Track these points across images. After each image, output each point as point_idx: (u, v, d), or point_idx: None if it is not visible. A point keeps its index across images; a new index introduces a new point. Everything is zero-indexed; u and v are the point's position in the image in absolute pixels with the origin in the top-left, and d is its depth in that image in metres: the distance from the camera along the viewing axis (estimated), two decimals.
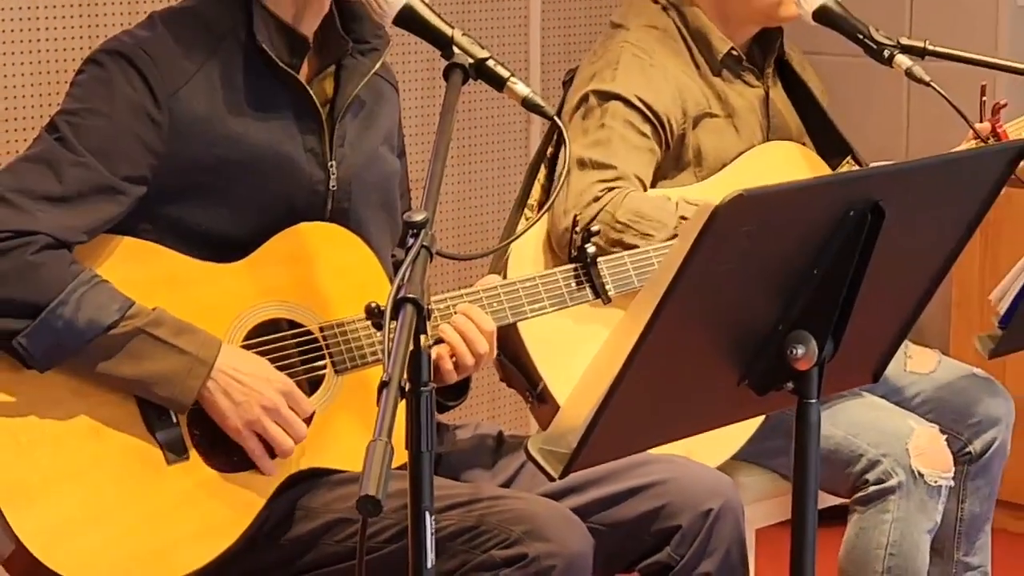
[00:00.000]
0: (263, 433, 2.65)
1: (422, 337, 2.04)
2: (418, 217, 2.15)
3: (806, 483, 2.27)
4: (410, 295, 2.02)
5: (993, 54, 4.69)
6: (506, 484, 2.89)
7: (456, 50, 2.52)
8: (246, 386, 2.65)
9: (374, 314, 2.55)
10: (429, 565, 2.07)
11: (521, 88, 2.53)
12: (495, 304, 2.81)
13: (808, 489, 2.27)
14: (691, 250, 2.02)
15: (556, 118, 2.54)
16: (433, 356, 2.44)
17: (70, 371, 2.61)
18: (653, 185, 3.39)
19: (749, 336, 2.22)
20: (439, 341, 2.71)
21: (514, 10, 4.66)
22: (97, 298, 2.59)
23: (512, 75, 2.53)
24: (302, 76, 2.80)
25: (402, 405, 2.01)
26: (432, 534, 2.07)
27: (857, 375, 2.47)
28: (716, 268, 2.07)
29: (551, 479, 2.23)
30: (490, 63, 2.52)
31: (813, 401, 2.24)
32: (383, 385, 1.94)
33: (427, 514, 2.07)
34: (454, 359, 2.72)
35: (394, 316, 2.02)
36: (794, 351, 2.20)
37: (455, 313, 2.74)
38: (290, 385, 2.68)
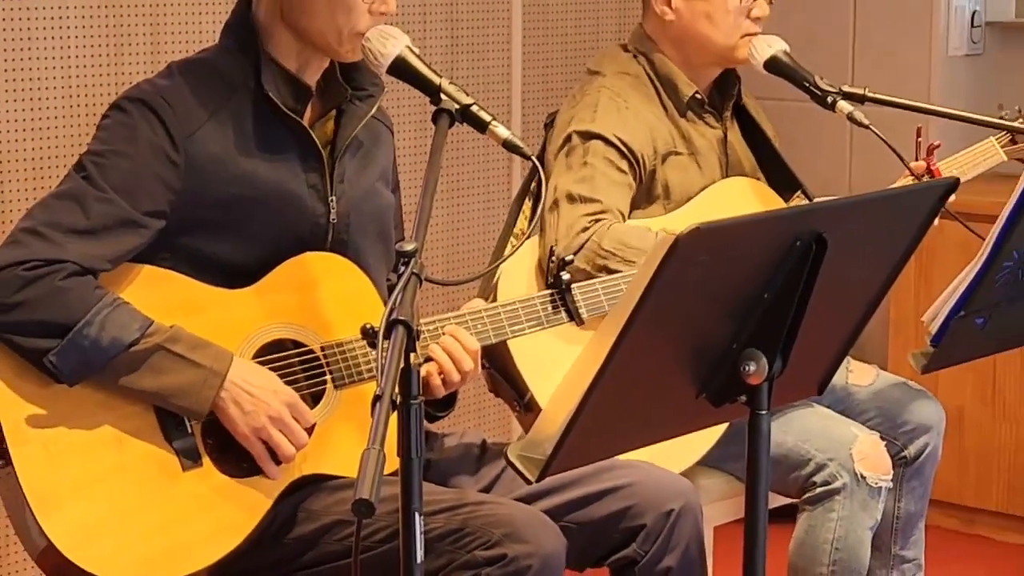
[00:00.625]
0: (268, 440, 2.64)
1: (412, 355, 2.05)
2: (409, 247, 2.15)
3: (757, 485, 2.27)
4: (401, 317, 2.03)
5: (926, 100, 4.72)
6: (488, 488, 2.88)
7: (443, 97, 2.53)
8: (255, 397, 2.64)
9: (369, 335, 2.54)
10: (419, 561, 2.07)
11: (502, 131, 2.53)
12: (479, 325, 2.80)
13: (759, 490, 2.27)
14: (653, 277, 2.02)
15: (533, 158, 2.53)
16: (423, 373, 2.44)
17: (95, 385, 2.60)
18: (629, 216, 3.39)
19: (706, 354, 2.21)
20: (428, 359, 2.70)
21: (497, 60, 4.66)
22: (119, 318, 2.58)
23: (494, 119, 2.54)
24: (306, 119, 2.79)
25: (394, 416, 2.02)
26: (421, 533, 2.07)
27: (803, 388, 2.47)
28: (676, 293, 2.07)
29: (528, 482, 2.23)
30: (474, 108, 2.53)
31: (764, 412, 2.24)
32: (376, 399, 1.94)
33: (417, 515, 2.07)
34: (442, 376, 2.71)
35: (386, 336, 2.03)
36: (747, 368, 2.20)
37: (443, 334, 2.73)
38: (294, 397, 2.66)
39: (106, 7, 3.79)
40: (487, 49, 4.64)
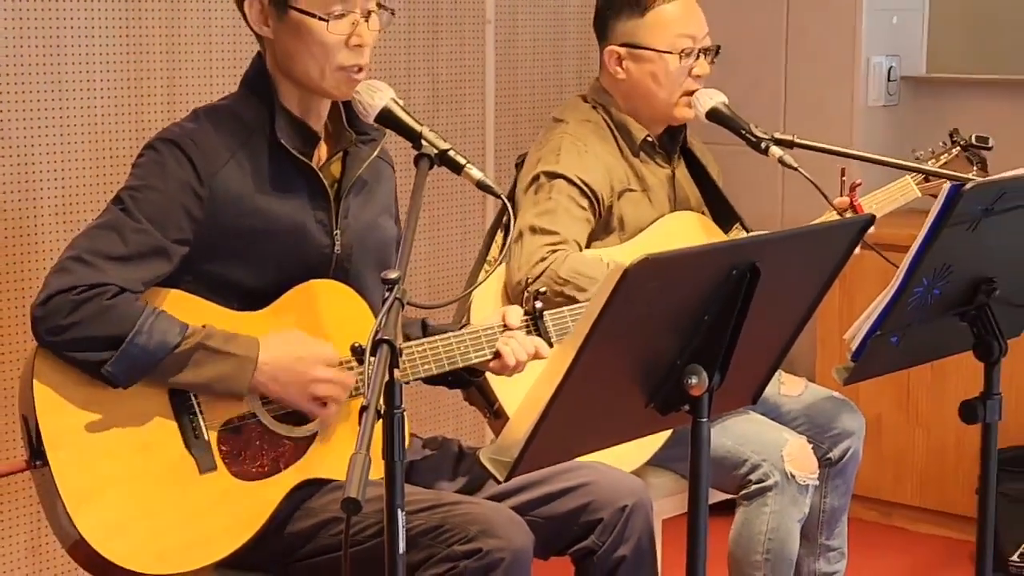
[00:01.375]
0: (319, 398, 2.66)
1: (395, 371, 2.04)
2: (392, 275, 2.15)
3: (699, 482, 2.26)
4: (385, 337, 2.03)
5: (849, 145, 4.73)
6: (465, 488, 2.87)
7: (424, 142, 2.53)
8: (287, 370, 2.64)
9: (357, 352, 2.53)
10: (401, 552, 2.07)
11: (475, 173, 2.52)
12: (471, 343, 2.80)
13: (700, 487, 2.26)
14: (607, 301, 2.02)
15: (502, 196, 2.52)
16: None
17: (127, 397, 2.59)
18: (588, 245, 3.38)
19: (654, 368, 2.21)
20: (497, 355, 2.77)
21: (473, 110, 4.67)
22: (162, 325, 2.58)
23: (468, 163, 2.53)
24: (316, 160, 2.78)
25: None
26: (404, 527, 2.07)
27: (739, 398, 2.46)
28: (626, 315, 2.07)
29: (498, 482, 2.23)
30: (451, 153, 2.52)
31: (704, 420, 2.23)
32: (363, 409, 1.94)
33: (400, 511, 2.06)
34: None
35: (372, 354, 2.02)
36: (689, 381, 2.20)
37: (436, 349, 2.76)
38: (319, 353, 2.66)
39: (128, 60, 3.78)
40: (464, 100, 4.64)
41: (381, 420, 2.03)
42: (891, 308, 2.55)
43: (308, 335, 2.69)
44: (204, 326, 2.63)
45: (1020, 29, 6.12)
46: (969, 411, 2.72)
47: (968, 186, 2.46)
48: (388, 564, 2.08)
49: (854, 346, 2.61)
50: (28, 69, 3.60)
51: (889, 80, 5.07)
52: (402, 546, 2.07)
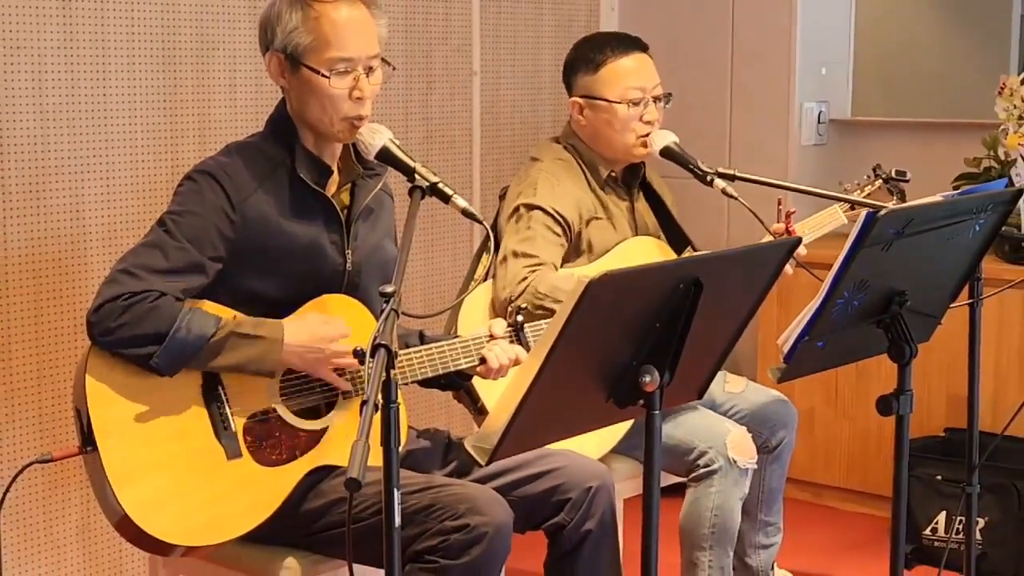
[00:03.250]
0: (336, 369, 2.69)
1: (392, 371, 2.05)
2: (389, 289, 2.16)
3: (652, 463, 2.27)
4: (383, 342, 2.04)
5: (784, 178, 4.74)
6: (454, 472, 2.88)
7: (417, 176, 2.53)
8: (310, 349, 2.65)
9: (359, 355, 2.54)
10: (396, 525, 2.08)
11: (460, 202, 2.52)
12: (461, 350, 2.81)
13: (654, 468, 2.27)
14: (572, 311, 2.04)
15: (484, 223, 2.53)
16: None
17: (168, 391, 2.61)
18: (561, 266, 3.41)
19: (612, 368, 2.22)
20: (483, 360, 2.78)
21: (462, 148, 4.69)
22: (198, 320, 2.60)
23: (455, 193, 2.53)
24: (330, 190, 2.80)
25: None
26: (399, 504, 2.08)
27: (687, 394, 2.47)
28: (589, 322, 2.08)
29: (480, 466, 2.24)
30: (440, 185, 2.53)
31: (657, 412, 2.24)
32: (363, 403, 1.95)
33: (395, 490, 2.07)
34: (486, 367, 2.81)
35: (372, 356, 2.04)
36: (643, 379, 2.21)
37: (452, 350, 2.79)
38: (334, 333, 2.68)
39: (164, 104, 3.80)
40: (454, 140, 4.66)
41: (379, 413, 2.05)
42: (817, 317, 2.55)
43: (324, 315, 2.70)
44: (235, 315, 2.65)
45: (931, 78, 6.20)
46: (885, 405, 2.71)
47: (882, 213, 2.46)
48: (386, 536, 2.09)
49: (786, 349, 2.60)
50: (78, 114, 3.61)
51: (819, 123, 5.09)
52: (398, 520, 2.08)
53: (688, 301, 2.18)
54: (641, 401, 2.24)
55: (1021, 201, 4.27)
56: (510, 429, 2.13)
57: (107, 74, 3.66)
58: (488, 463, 2.17)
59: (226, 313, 2.68)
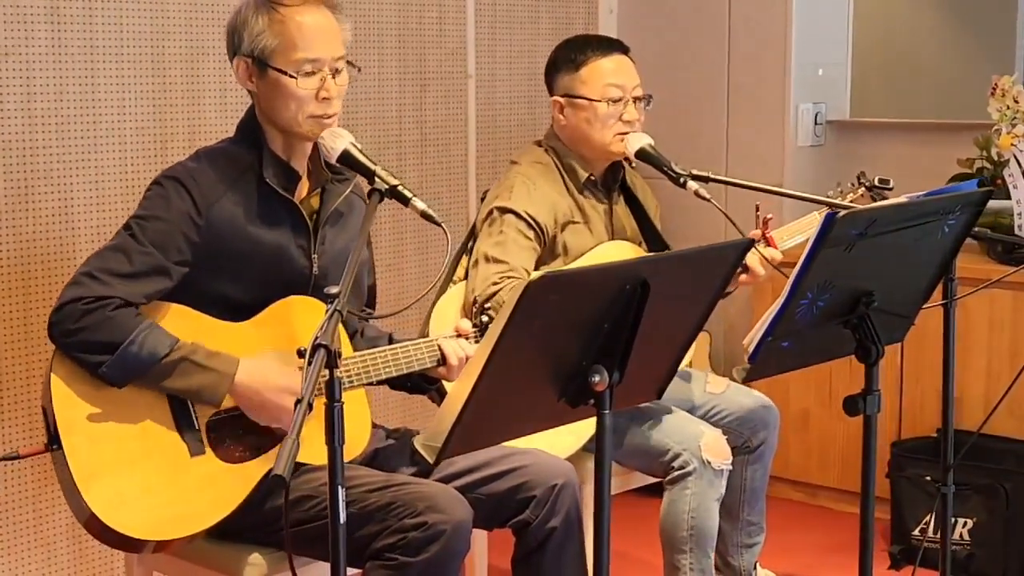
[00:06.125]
0: (277, 424, 2.70)
1: (335, 370, 2.07)
2: (333, 291, 2.18)
3: (603, 466, 2.27)
4: (323, 342, 2.05)
5: (781, 182, 4.76)
6: (420, 471, 2.89)
7: (377, 179, 2.54)
8: (258, 395, 2.67)
9: (301, 355, 2.55)
10: (341, 521, 2.10)
11: (420, 205, 2.53)
12: (426, 350, 2.83)
13: (604, 470, 2.26)
14: (512, 311, 2.05)
15: (443, 225, 2.52)
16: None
17: (131, 390, 2.63)
18: (537, 268, 3.40)
19: (562, 368, 2.23)
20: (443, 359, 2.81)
21: (458, 152, 4.69)
22: (153, 338, 2.62)
23: (414, 196, 2.53)
24: (298, 196, 2.82)
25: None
26: (344, 500, 2.09)
27: (644, 394, 2.47)
28: (532, 322, 2.09)
29: (429, 464, 2.25)
30: (399, 188, 2.53)
31: (606, 412, 2.24)
32: (297, 401, 1.96)
33: (340, 487, 2.09)
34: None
35: (311, 356, 2.05)
36: (593, 379, 2.21)
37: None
38: (290, 387, 2.67)
39: (153, 108, 3.83)
40: (450, 143, 4.66)
41: (325, 412, 2.06)
42: (779, 318, 2.55)
43: (283, 364, 2.70)
44: (192, 342, 2.66)
45: (929, 78, 6.17)
46: (851, 405, 2.72)
47: (841, 214, 2.45)
48: (331, 532, 2.11)
49: (751, 350, 2.60)
50: (67, 118, 3.65)
51: (816, 124, 5.08)
52: (343, 516, 2.10)
53: (635, 302, 2.18)
54: (592, 401, 2.24)
55: (1015, 202, 4.27)
56: (456, 428, 2.14)
57: (96, 78, 3.70)
58: (437, 462, 2.19)
59: (190, 320, 2.70)
